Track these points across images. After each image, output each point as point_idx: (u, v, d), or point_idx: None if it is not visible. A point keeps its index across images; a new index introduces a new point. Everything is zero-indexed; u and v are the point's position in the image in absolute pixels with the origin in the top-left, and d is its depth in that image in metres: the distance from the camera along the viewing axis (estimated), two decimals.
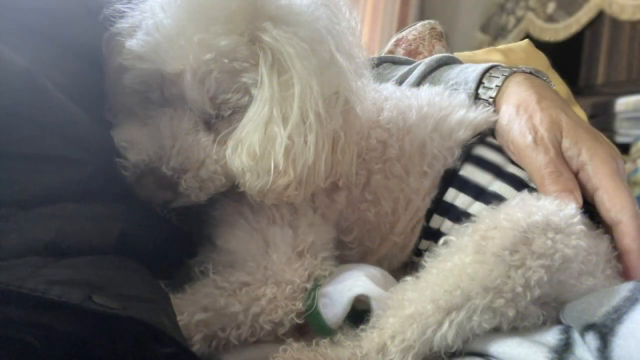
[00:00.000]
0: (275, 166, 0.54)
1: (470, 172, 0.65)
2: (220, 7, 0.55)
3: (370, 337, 0.52)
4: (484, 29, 3.24)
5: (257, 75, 0.56)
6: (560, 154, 0.64)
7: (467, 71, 0.78)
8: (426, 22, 1.51)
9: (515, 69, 0.75)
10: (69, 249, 0.44)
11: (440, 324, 0.50)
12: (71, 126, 0.51)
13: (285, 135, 0.54)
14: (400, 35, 1.52)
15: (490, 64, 0.78)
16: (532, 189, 0.63)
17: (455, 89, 0.77)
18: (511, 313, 0.50)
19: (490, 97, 0.73)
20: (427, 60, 0.86)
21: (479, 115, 0.69)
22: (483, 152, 0.67)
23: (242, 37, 0.55)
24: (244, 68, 0.56)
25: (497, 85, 0.73)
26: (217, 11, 0.54)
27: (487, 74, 0.75)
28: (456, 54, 1.00)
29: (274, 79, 0.55)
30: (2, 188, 0.44)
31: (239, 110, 0.58)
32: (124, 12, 0.59)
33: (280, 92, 0.55)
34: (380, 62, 0.96)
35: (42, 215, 0.44)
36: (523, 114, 0.67)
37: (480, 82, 0.75)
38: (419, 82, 0.83)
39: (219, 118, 0.58)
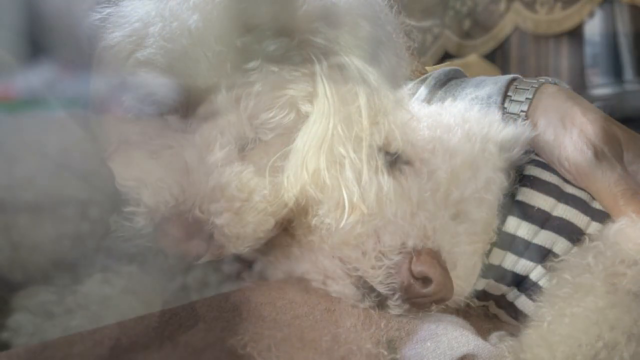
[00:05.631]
0: (349, 198, 0.43)
1: (529, 196, 0.57)
2: (262, 2, 0.42)
3: None
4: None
5: (308, 86, 0.45)
6: (626, 169, 0.58)
7: (487, 84, 0.71)
8: None
9: (542, 80, 0.69)
10: None
11: None
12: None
13: (358, 158, 0.43)
14: None
15: (509, 75, 0.72)
16: (595, 211, 0.57)
17: (477, 104, 0.69)
18: None
19: (522, 111, 0.66)
20: (436, 74, 0.78)
21: (525, 130, 0.61)
22: (536, 171, 0.60)
23: (292, 40, 0.43)
24: (294, 78, 0.44)
25: (527, 98, 0.66)
26: (259, 8, 0.42)
27: (513, 86, 0.69)
28: None
29: (333, 89, 0.44)
30: None
31: (283, 132, 0.46)
32: (117, 20, 0.46)
33: (343, 105, 0.44)
34: None
35: None
36: (571, 128, 0.61)
37: (505, 95, 0.68)
38: (430, 98, 0.75)
39: (256, 143, 0.46)
